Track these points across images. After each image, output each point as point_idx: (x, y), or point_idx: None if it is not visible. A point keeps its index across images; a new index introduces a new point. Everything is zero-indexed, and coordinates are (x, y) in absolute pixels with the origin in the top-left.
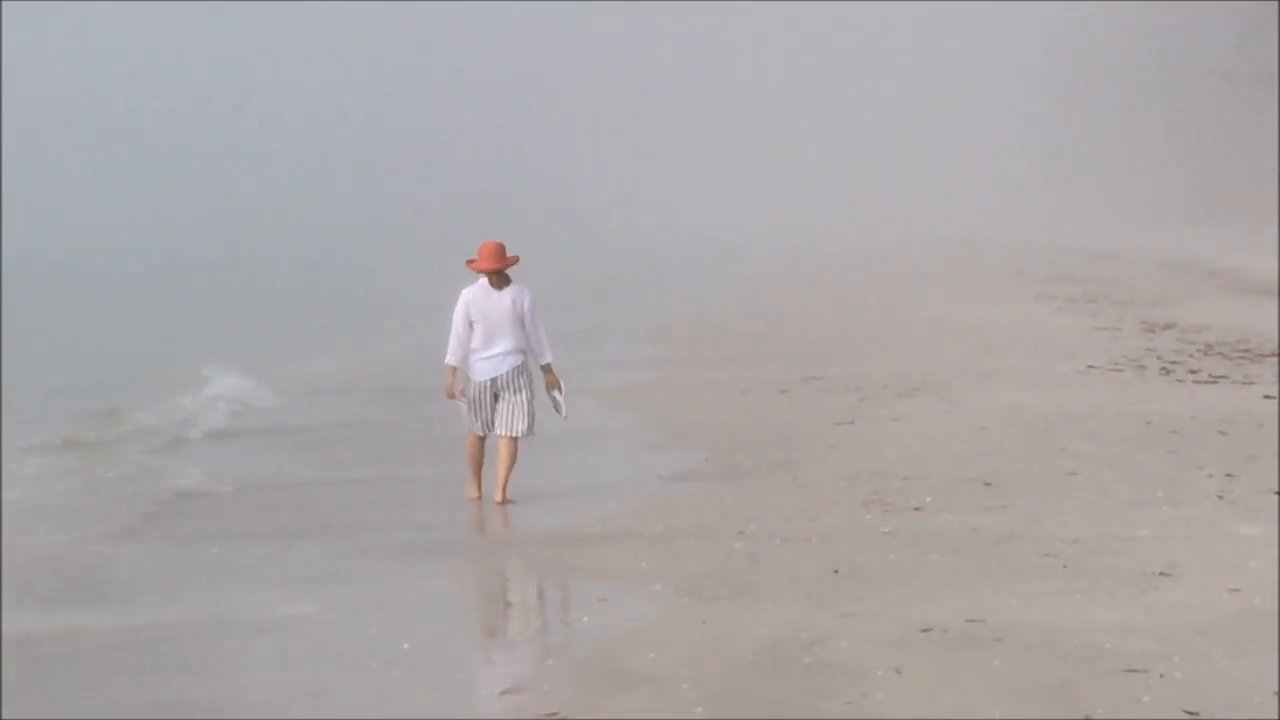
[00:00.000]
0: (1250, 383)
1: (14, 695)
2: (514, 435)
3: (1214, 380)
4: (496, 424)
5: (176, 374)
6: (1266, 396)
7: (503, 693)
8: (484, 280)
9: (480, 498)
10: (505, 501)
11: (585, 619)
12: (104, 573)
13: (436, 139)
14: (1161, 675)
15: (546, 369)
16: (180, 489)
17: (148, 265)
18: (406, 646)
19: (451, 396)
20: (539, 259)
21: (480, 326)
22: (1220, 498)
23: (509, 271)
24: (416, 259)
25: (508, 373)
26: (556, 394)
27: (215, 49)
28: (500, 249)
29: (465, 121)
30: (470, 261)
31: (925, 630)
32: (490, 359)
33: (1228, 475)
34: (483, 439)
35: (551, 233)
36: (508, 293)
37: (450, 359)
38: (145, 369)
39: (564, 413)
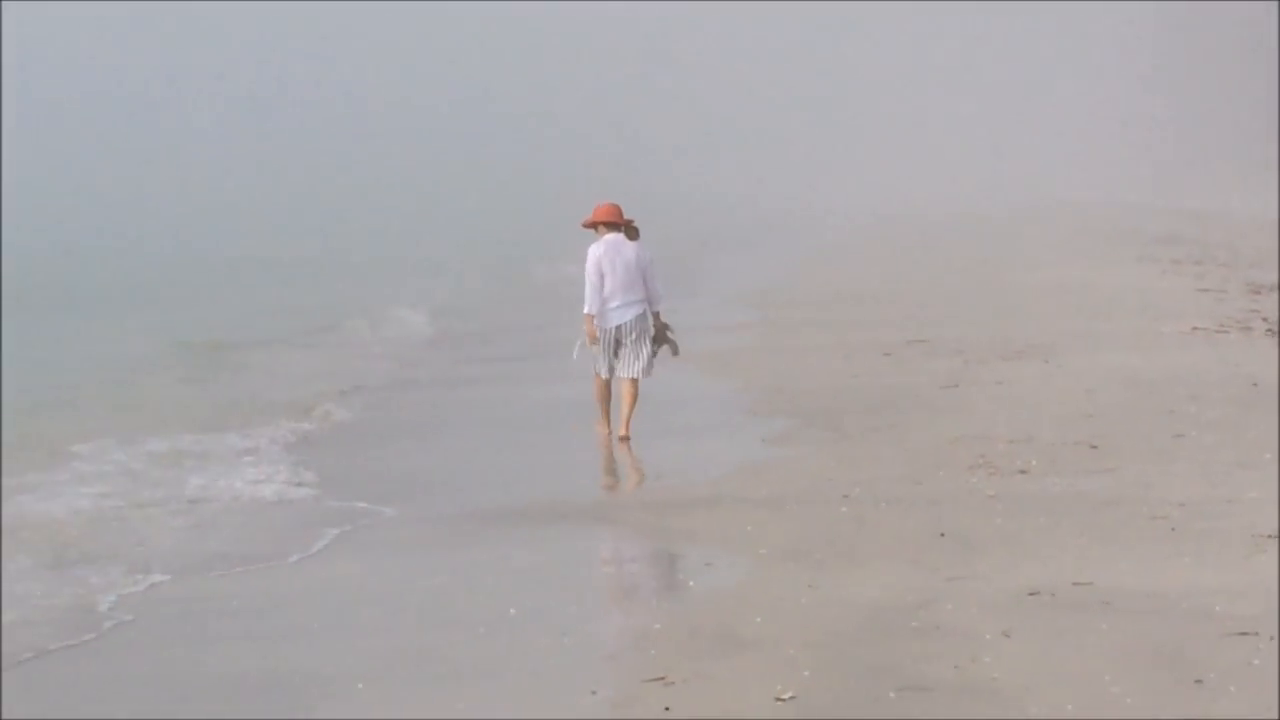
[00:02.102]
0: None
1: (131, 646)
2: (634, 377)
3: None
4: (619, 367)
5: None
6: None
7: (609, 657)
8: (609, 236)
9: (609, 432)
10: (627, 437)
11: (691, 584)
12: (209, 536)
13: (540, 115)
14: (1271, 638)
15: (657, 316)
16: (286, 453)
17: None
18: (513, 611)
19: (595, 341)
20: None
21: (609, 279)
22: None
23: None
24: (529, 225)
25: (631, 320)
26: (670, 335)
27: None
28: (618, 208)
29: (563, 95)
30: (587, 220)
31: (1033, 594)
32: (616, 308)
33: None
34: (608, 381)
35: (645, 198)
36: (633, 248)
37: (588, 308)
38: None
39: (678, 353)
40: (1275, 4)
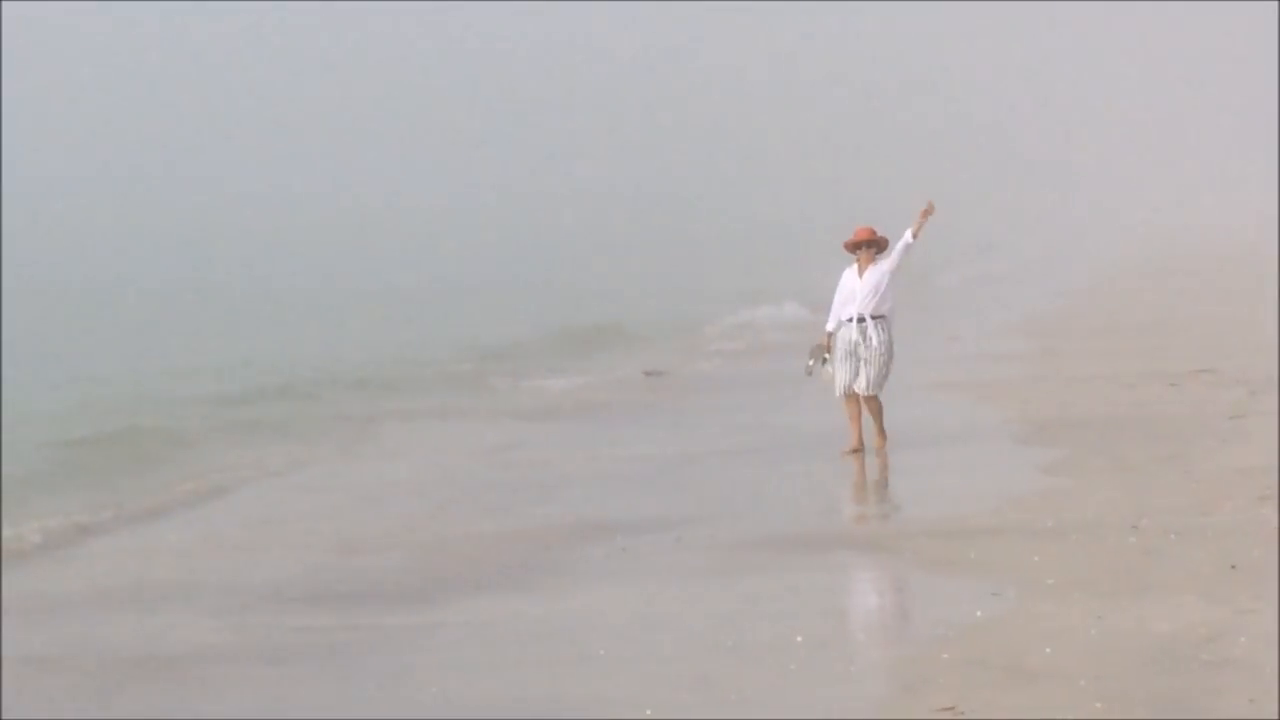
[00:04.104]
0: None
1: (413, 667)
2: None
3: None
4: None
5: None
6: None
7: (898, 687)
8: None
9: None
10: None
11: (979, 613)
12: (482, 565)
13: (796, 138)
14: None
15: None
16: (559, 478)
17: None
18: (799, 639)
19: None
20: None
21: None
22: None
23: None
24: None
25: None
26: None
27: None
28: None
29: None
30: (852, 241)
31: None
32: None
33: None
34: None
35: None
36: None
37: None
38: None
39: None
40: None
